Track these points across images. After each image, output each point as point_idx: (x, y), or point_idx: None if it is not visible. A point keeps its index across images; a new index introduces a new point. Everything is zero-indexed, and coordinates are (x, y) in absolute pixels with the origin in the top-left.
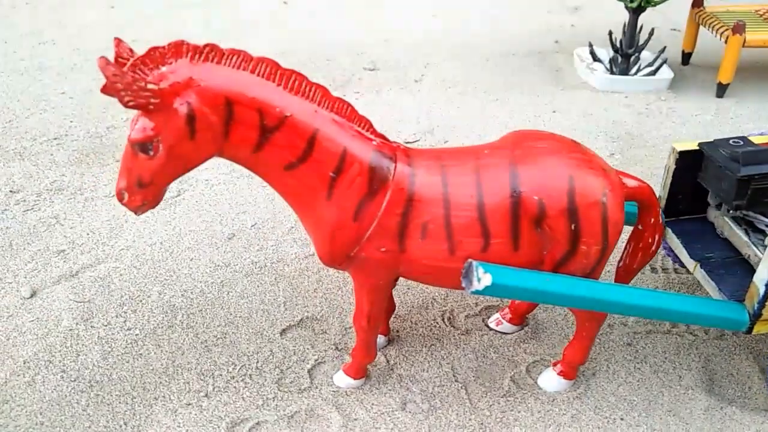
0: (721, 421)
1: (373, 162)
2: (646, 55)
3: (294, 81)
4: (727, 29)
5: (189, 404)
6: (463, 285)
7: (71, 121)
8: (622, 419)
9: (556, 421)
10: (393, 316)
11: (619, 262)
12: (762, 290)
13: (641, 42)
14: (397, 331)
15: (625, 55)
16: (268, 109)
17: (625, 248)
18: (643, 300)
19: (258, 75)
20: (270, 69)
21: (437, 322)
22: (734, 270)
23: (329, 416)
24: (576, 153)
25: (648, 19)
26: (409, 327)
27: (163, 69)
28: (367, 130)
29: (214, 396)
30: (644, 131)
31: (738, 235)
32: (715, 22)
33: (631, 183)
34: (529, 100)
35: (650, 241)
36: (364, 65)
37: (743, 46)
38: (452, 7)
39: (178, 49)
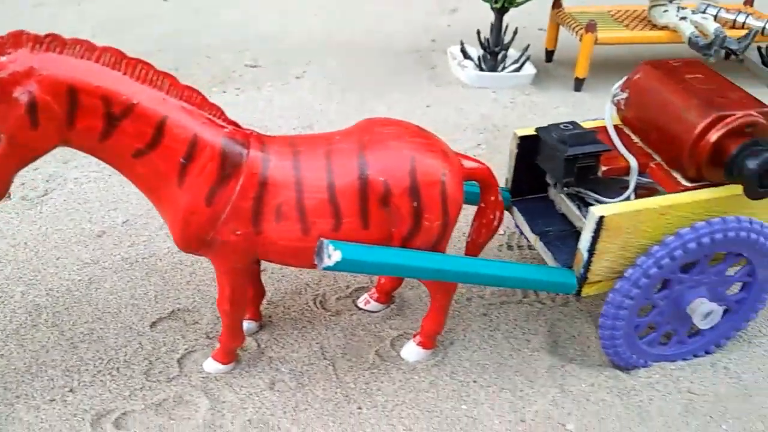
0: (562, 377)
1: (225, 148)
2: (514, 53)
3: (140, 70)
4: (581, 28)
5: (53, 400)
6: (316, 262)
7: None
8: (475, 381)
9: (416, 388)
10: (266, 302)
11: (467, 237)
12: (585, 256)
13: (507, 41)
14: (270, 317)
15: (492, 53)
16: (113, 97)
17: (472, 225)
18: (481, 269)
19: (102, 64)
20: (115, 58)
21: (309, 306)
22: (569, 241)
23: (197, 401)
24: (418, 137)
25: (517, 19)
26: (282, 312)
27: (2, 59)
28: (219, 118)
29: (79, 391)
30: (508, 123)
31: (572, 210)
32: (572, 22)
33: (470, 165)
34: (405, 96)
35: (492, 217)
36: (245, 62)
37: (596, 43)
38: (333, 6)
39: (17, 39)
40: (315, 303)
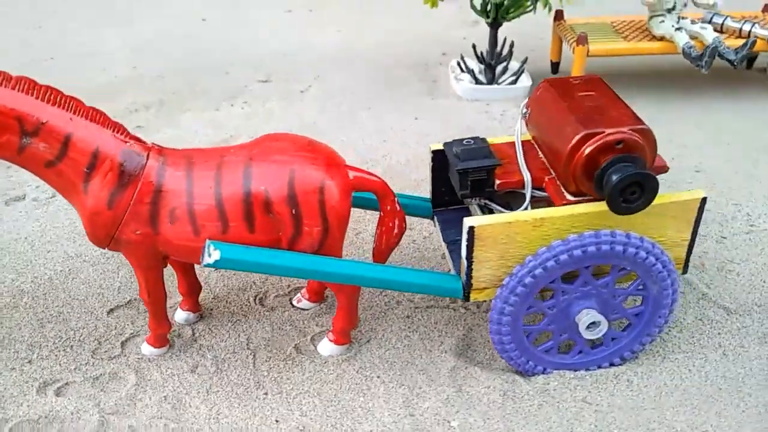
0: (463, 379)
1: (123, 159)
2: (516, 66)
3: (50, 94)
4: (574, 40)
5: (13, 369)
6: (201, 260)
7: None
8: (378, 377)
9: (322, 379)
10: (213, 296)
11: (373, 244)
12: (465, 263)
13: (505, 53)
14: (211, 310)
15: (488, 65)
16: (26, 118)
17: (375, 232)
18: (363, 272)
19: (18, 90)
20: (28, 85)
21: (249, 302)
22: None
23: (127, 377)
24: (303, 151)
25: (529, 31)
26: (223, 306)
27: None
28: (121, 133)
29: (36, 362)
30: (492, 134)
31: None
32: (568, 34)
33: (362, 177)
34: (397, 108)
35: (391, 225)
36: (258, 78)
37: (588, 55)
38: (355, 22)
39: None
40: (255, 300)
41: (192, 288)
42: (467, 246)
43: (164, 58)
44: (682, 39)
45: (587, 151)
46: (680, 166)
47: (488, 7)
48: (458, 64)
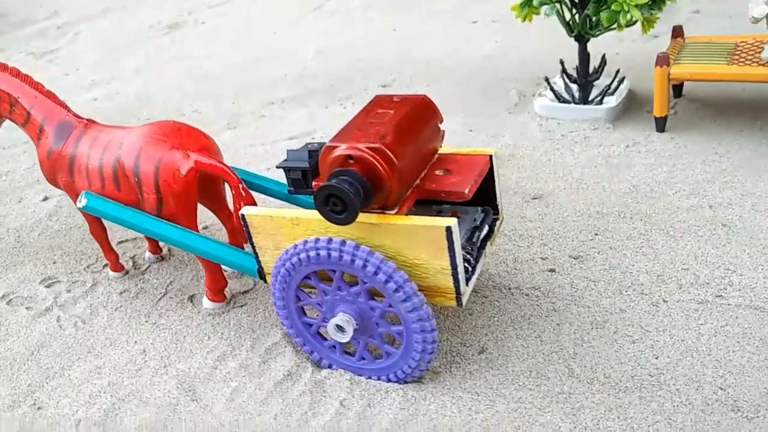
0: (268, 353)
1: (59, 126)
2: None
3: (25, 79)
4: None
5: None
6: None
7: None
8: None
9: (196, 321)
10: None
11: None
12: (252, 249)
13: (593, 70)
14: (173, 255)
15: (576, 83)
16: (10, 94)
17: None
18: (179, 237)
19: (10, 75)
20: (13, 72)
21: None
22: None
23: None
24: (159, 134)
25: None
26: (181, 255)
27: None
28: (64, 108)
29: None
30: (526, 154)
31: None
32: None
33: (208, 163)
34: (464, 120)
35: (237, 207)
36: (380, 83)
37: (670, 78)
38: (474, 34)
39: None
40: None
41: None
42: (246, 232)
43: (334, 61)
44: None
45: (329, 161)
46: None
47: (573, 21)
48: (545, 78)
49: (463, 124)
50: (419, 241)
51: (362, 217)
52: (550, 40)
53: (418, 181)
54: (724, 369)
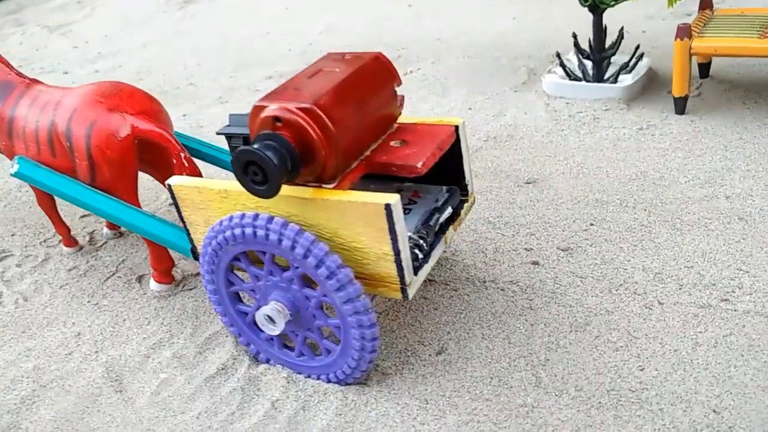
0: (222, 344)
1: (0, 85)
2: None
3: None
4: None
5: None
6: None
7: None
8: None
9: (139, 304)
10: None
11: None
12: (182, 226)
13: (609, 45)
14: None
15: (590, 58)
16: None
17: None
18: (110, 209)
19: None
20: None
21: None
22: None
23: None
24: (97, 96)
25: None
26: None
27: None
28: (8, 68)
29: None
30: (526, 135)
31: None
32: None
33: (147, 129)
34: (466, 97)
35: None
36: (410, 68)
37: (692, 52)
38: (492, 11)
39: None
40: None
41: None
42: (175, 206)
43: (342, 37)
44: None
45: (257, 123)
46: None
47: None
48: (556, 54)
49: (464, 102)
50: (355, 220)
51: (296, 190)
52: (571, 17)
53: (368, 153)
54: (720, 387)
